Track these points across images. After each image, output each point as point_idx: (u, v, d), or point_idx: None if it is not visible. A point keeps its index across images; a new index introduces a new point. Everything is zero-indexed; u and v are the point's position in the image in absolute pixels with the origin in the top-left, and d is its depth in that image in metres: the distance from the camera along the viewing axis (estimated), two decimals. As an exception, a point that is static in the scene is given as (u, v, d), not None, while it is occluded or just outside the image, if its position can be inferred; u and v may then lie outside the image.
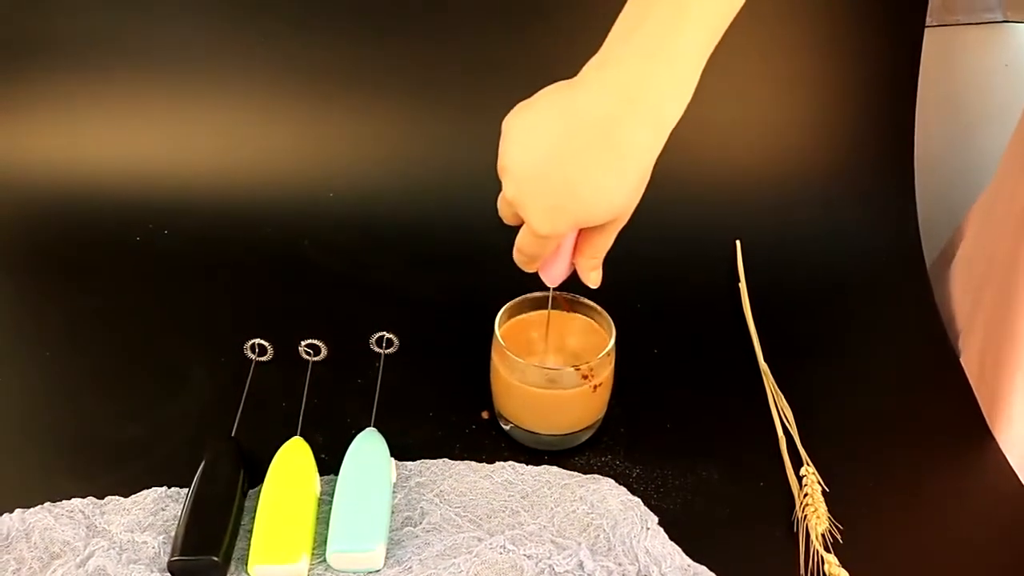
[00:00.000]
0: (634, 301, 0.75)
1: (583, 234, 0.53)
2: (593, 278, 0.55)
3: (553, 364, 0.62)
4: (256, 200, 0.82)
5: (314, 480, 0.58)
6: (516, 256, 0.54)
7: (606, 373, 0.62)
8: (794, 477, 0.60)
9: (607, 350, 0.61)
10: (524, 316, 0.63)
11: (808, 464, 0.61)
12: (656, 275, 0.77)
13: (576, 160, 0.46)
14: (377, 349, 0.69)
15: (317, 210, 0.83)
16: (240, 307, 0.75)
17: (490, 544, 0.55)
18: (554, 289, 0.58)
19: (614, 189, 0.46)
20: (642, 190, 0.49)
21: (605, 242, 0.53)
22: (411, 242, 0.81)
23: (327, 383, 0.67)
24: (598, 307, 0.63)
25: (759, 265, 0.77)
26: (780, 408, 0.65)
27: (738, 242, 0.79)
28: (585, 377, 0.60)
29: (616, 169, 0.46)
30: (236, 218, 0.82)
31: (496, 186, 0.51)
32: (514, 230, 0.52)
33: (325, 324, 0.72)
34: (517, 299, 0.63)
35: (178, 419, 0.64)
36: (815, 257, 0.77)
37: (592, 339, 0.63)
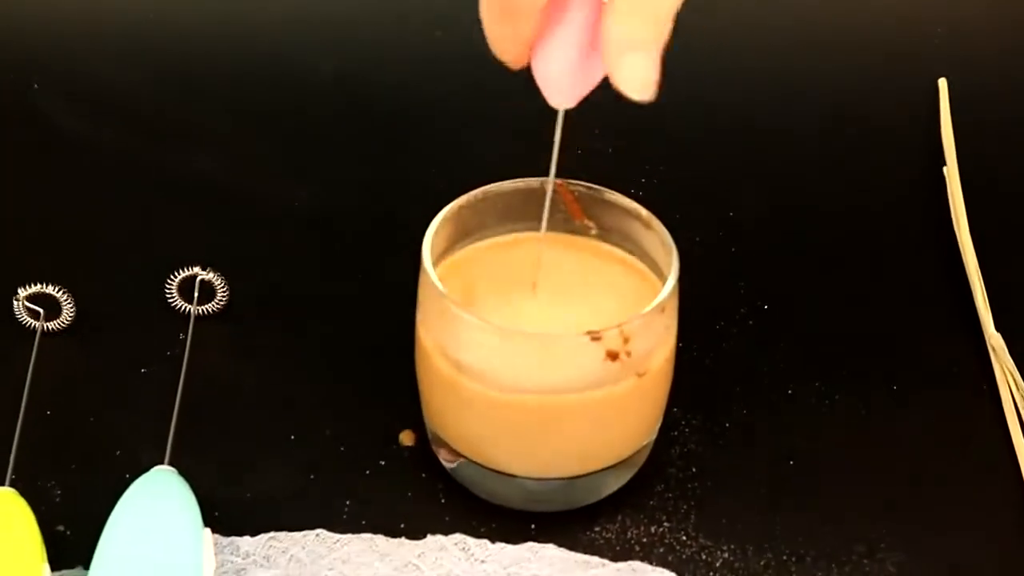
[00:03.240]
0: (725, 202, 0.71)
1: None
2: (631, 71, 0.50)
3: (547, 328, 0.56)
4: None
5: (38, 578, 0.51)
6: (486, 15, 0.50)
7: (660, 350, 0.55)
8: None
9: (661, 299, 0.54)
10: (485, 241, 0.58)
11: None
12: (776, 149, 0.73)
13: None
14: (180, 301, 0.64)
15: (66, 20, 0.78)
16: None
17: None
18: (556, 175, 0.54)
19: None
20: None
21: None
22: (257, 88, 0.78)
23: (73, 373, 0.63)
24: (644, 211, 0.57)
25: (975, 137, 0.73)
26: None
27: (943, 84, 0.76)
28: (614, 357, 0.54)
29: None
30: None
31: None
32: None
33: (71, 254, 0.68)
34: (469, 196, 0.57)
35: None
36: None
37: (629, 283, 0.58)
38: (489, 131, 0.76)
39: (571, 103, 0.52)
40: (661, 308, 0.54)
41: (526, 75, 0.77)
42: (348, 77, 0.79)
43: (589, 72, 0.51)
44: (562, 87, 0.52)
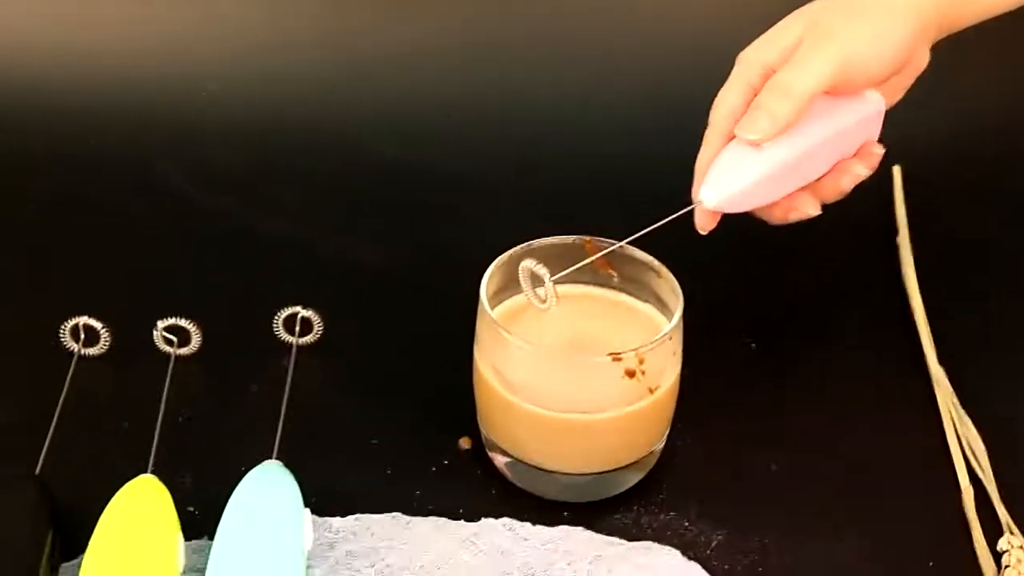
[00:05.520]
0: (724, 261, 0.75)
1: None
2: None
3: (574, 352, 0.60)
4: (85, 96, 0.83)
5: (175, 547, 0.56)
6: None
7: (668, 371, 0.59)
8: (987, 554, 0.59)
9: (668, 330, 0.58)
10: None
11: (1013, 531, 0.60)
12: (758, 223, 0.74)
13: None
14: (286, 336, 0.69)
15: (186, 113, 0.84)
16: (58, 268, 0.75)
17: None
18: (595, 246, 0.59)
19: None
20: None
21: None
22: (339, 169, 0.83)
23: (200, 389, 0.67)
24: (656, 262, 0.61)
25: (925, 211, 0.77)
26: (964, 441, 0.65)
27: (897, 170, 0.80)
28: (631, 375, 0.58)
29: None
30: (46, 126, 0.83)
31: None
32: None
33: (198, 295, 0.72)
34: (518, 248, 0.61)
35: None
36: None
37: (645, 320, 0.62)
38: (522, 201, 0.81)
39: (720, 207, 0.59)
40: (669, 337, 0.58)
41: (552, 157, 0.80)
42: (411, 159, 0.84)
43: (751, 199, 0.59)
44: (726, 194, 0.58)
